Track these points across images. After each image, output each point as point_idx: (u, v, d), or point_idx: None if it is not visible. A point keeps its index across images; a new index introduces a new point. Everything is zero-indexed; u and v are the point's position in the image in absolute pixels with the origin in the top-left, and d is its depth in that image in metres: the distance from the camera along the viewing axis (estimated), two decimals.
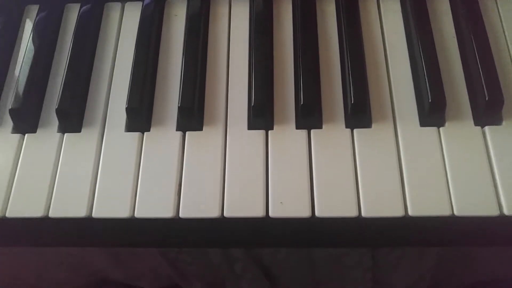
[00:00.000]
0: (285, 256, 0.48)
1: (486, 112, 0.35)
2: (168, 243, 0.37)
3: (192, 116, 0.36)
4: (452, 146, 0.35)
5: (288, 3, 0.42)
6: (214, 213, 0.33)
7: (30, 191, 0.35)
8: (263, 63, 0.37)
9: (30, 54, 0.39)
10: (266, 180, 0.34)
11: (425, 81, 0.35)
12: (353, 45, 0.37)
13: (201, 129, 0.36)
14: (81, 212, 0.34)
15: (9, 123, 0.38)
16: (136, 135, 0.37)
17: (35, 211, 0.34)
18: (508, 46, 0.38)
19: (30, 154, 0.36)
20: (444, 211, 0.32)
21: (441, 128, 0.35)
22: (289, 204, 0.33)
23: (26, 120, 0.37)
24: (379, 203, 0.33)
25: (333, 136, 0.35)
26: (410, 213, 0.33)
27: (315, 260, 0.48)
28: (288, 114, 0.37)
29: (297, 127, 0.36)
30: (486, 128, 0.35)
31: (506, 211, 0.32)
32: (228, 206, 0.33)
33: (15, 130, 0.38)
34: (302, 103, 0.35)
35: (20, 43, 0.42)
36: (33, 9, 0.43)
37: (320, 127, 0.36)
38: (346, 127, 0.36)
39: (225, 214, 0.33)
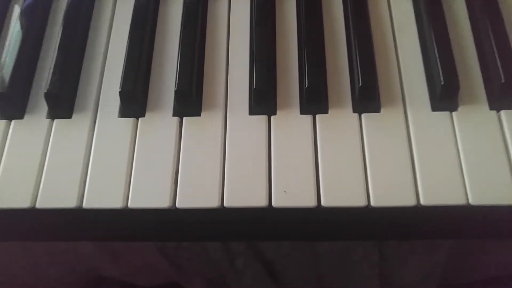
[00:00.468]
0: (288, 250, 0.46)
1: (501, 96, 0.33)
2: (165, 236, 0.35)
3: (189, 101, 0.34)
4: (465, 132, 0.32)
5: None
6: (213, 203, 0.31)
7: (17, 181, 0.33)
8: (265, 44, 0.35)
9: (18, 34, 0.37)
10: (269, 168, 0.32)
11: (437, 63, 0.33)
12: (360, 24, 0.35)
13: (199, 115, 0.34)
14: (70, 203, 0.32)
15: None
16: (130, 120, 0.34)
17: (22, 202, 0.32)
18: None
19: (17, 141, 0.34)
20: (459, 200, 0.30)
21: (453, 113, 0.33)
22: (293, 193, 0.31)
23: (12, 105, 0.35)
24: (389, 192, 0.31)
25: (340, 121, 0.33)
26: (422, 202, 0.31)
27: (320, 255, 0.46)
28: (292, 98, 0.34)
29: (302, 112, 0.34)
30: (502, 112, 0.33)
31: None
32: (228, 196, 0.31)
33: (1, 116, 0.35)
34: (307, 86, 0.33)
35: (9, 23, 0.40)
36: None
37: (326, 112, 0.34)
38: (354, 111, 0.34)
39: (225, 204, 0.31)
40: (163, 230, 0.33)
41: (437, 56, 0.33)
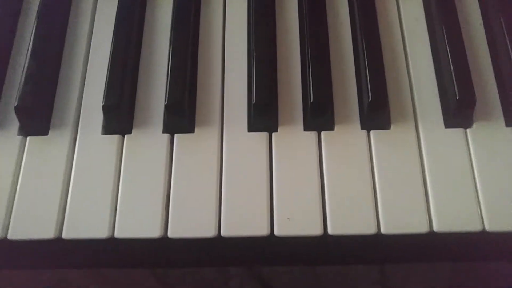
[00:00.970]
0: (286, 268, 0.43)
1: None
2: (155, 264, 0.32)
3: (181, 116, 0.31)
4: (481, 150, 0.30)
5: None
6: (209, 232, 0.28)
7: None
8: (265, 54, 0.32)
9: None
10: (270, 192, 0.29)
11: (451, 76, 0.31)
12: (368, 34, 0.32)
13: (192, 131, 0.31)
14: (48, 233, 0.28)
15: None
16: (115, 138, 0.31)
17: None
18: None
19: None
20: (474, 227, 0.28)
21: (468, 130, 0.31)
22: (297, 220, 0.28)
23: None
24: (401, 218, 0.29)
25: (347, 138, 0.31)
26: (435, 228, 0.28)
27: (319, 273, 0.44)
28: (295, 114, 0.31)
29: (306, 129, 0.31)
30: None
31: None
32: (226, 224, 0.28)
33: None
34: (312, 100, 0.30)
35: None
36: None
37: (332, 129, 0.31)
38: (362, 128, 0.31)
39: (222, 234, 0.28)
40: (153, 259, 0.30)
41: (451, 68, 0.31)
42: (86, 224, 0.29)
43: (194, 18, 0.34)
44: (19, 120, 0.31)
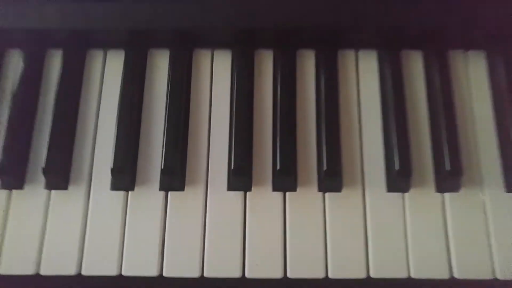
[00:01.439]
0: None
1: (446, 181, 0.38)
2: None
3: (174, 178, 0.38)
4: (414, 211, 0.38)
5: (269, 59, 0.42)
6: (194, 273, 0.36)
7: (20, 247, 0.37)
8: (243, 127, 0.39)
9: (13, 106, 0.40)
10: (243, 242, 0.37)
11: (394, 149, 0.38)
12: (330, 110, 0.39)
13: (182, 189, 0.38)
14: (71, 270, 0.37)
15: None
16: (121, 194, 0.38)
17: (26, 269, 0.37)
18: (473, 115, 0.40)
19: (18, 210, 0.38)
20: (402, 274, 0.36)
21: (405, 194, 0.38)
22: (263, 266, 0.36)
23: (10, 177, 0.38)
24: (345, 265, 0.36)
25: (306, 198, 0.38)
26: (372, 275, 0.36)
27: None
28: (266, 176, 0.39)
29: (274, 189, 0.38)
30: (446, 194, 0.38)
31: (456, 275, 0.36)
32: (208, 267, 0.36)
33: (2, 186, 0.39)
34: (278, 168, 0.37)
35: (2, 93, 0.42)
36: (14, 54, 0.43)
37: (295, 190, 0.38)
38: (319, 190, 0.38)
39: (205, 274, 0.36)
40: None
41: (395, 143, 0.38)
42: (100, 263, 0.37)
43: (185, 93, 0.41)
44: (46, 178, 0.38)
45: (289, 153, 0.38)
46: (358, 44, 0.42)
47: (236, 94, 0.40)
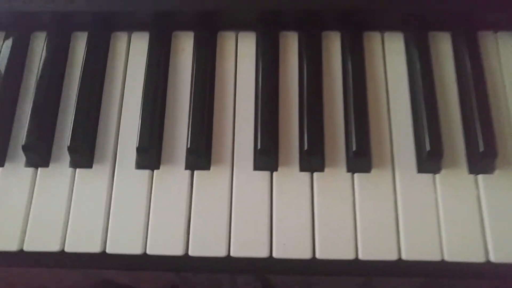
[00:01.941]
0: None
1: (480, 162, 0.37)
2: (179, 271, 0.40)
3: (200, 157, 0.38)
4: (446, 193, 0.37)
5: (294, 41, 0.42)
6: (221, 252, 0.36)
7: (45, 225, 0.37)
8: (269, 106, 0.38)
9: (40, 86, 0.40)
10: (271, 221, 0.36)
11: (425, 130, 0.37)
12: (357, 90, 0.38)
13: (208, 169, 0.38)
14: (95, 248, 0.36)
15: (21, 157, 0.39)
16: (146, 172, 0.38)
17: (51, 246, 0.36)
18: (506, 95, 0.39)
19: (43, 187, 0.38)
20: (435, 257, 0.35)
21: (436, 175, 0.37)
22: (291, 246, 0.36)
23: (37, 155, 0.38)
24: (375, 247, 0.35)
25: (334, 179, 0.37)
26: (403, 257, 0.35)
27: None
28: (293, 156, 0.38)
29: (301, 170, 0.38)
30: (479, 176, 0.37)
31: (492, 258, 0.35)
32: (234, 246, 0.36)
33: (28, 164, 0.39)
34: (306, 148, 0.37)
35: (29, 73, 0.42)
36: (40, 36, 0.44)
37: (322, 170, 0.37)
38: (347, 171, 0.37)
39: (231, 254, 0.36)
40: (178, 268, 0.37)
41: (425, 123, 0.37)
42: (124, 242, 0.36)
43: (210, 74, 0.40)
44: (70, 156, 0.38)
45: (317, 133, 0.37)
46: (384, 26, 0.42)
47: (261, 75, 0.39)
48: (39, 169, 0.39)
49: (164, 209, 0.37)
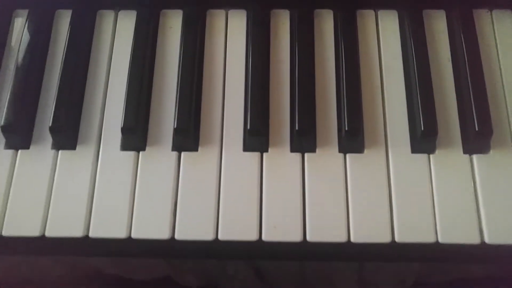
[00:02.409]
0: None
1: (475, 142, 0.36)
2: (164, 256, 0.38)
3: (188, 138, 0.36)
4: (440, 173, 0.36)
5: (285, 19, 0.41)
6: (208, 235, 0.34)
7: (26, 209, 0.35)
8: (259, 86, 0.37)
9: (21, 65, 0.38)
10: (260, 204, 0.35)
11: (419, 109, 0.36)
12: (350, 69, 0.37)
13: (196, 150, 0.37)
14: (77, 232, 0.35)
15: (1, 139, 0.37)
16: (131, 154, 0.37)
17: (32, 230, 0.35)
18: (501, 74, 0.38)
19: (24, 170, 0.36)
20: (428, 238, 0.34)
21: (431, 155, 0.36)
22: (281, 229, 0.34)
23: (17, 136, 0.37)
24: (368, 229, 0.34)
25: (326, 160, 0.36)
26: (397, 239, 0.34)
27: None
28: (283, 137, 0.37)
29: (292, 150, 0.36)
30: (474, 156, 0.36)
31: (487, 240, 0.34)
32: (223, 229, 0.34)
33: (8, 146, 0.37)
34: (297, 128, 0.36)
35: (9, 52, 0.41)
36: (22, 14, 0.42)
37: (314, 151, 0.36)
38: (339, 151, 0.36)
39: (219, 237, 0.34)
40: (164, 253, 0.36)
41: (419, 102, 0.36)
42: (108, 225, 0.35)
43: (199, 52, 0.39)
44: (53, 137, 0.37)
45: (308, 113, 0.36)
46: (378, 4, 0.40)
47: (251, 54, 0.38)
48: (19, 151, 0.37)
49: (150, 191, 0.36)
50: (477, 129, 0.35)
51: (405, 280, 0.52)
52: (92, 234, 0.35)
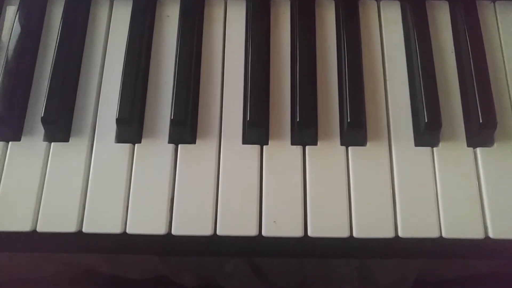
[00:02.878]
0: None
1: (479, 134, 0.35)
2: (160, 252, 0.37)
3: (185, 129, 0.35)
4: (444, 167, 0.35)
5: (286, 8, 0.40)
6: (206, 231, 0.33)
7: (16, 203, 0.34)
8: (259, 76, 0.36)
9: (12, 55, 0.37)
10: (260, 198, 0.34)
11: (422, 101, 0.35)
12: (352, 60, 0.36)
13: (194, 142, 0.36)
14: (70, 227, 0.33)
15: None
16: (126, 146, 0.35)
17: (22, 225, 0.33)
18: (504, 66, 0.38)
19: (15, 163, 0.35)
20: (433, 233, 0.33)
21: (434, 148, 0.35)
22: (282, 223, 0.33)
23: (8, 128, 0.35)
24: (371, 224, 0.33)
25: (328, 153, 0.35)
26: (400, 234, 0.33)
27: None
28: (284, 129, 0.36)
29: (293, 143, 0.35)
30: (478, 149, 0.35)
31: (491, 234, 0.33)
32: (221, 224, 0.33)
33: None
34: (298, 120, 0.35)
35: (0, 41, 0.39)
36: (14, 2, 0.40)
37: (315, 144, 0.35)
38: (341, 144, 0.35)
39: (217, 233, 0.33)
40: (160, 249, 0.35)
41: (423, 94, 0.35)
42: (102, 220, 0.34)
43: (197, 42, 0.38)
44: (45, 129, 0.35)
45: (309, 104, 0.35)
46: None
47: (251, 44, 0.37)
48: (10, 143, 0.36)
49: (146, 185, 0.34)
50: (481, 121, 0.34)
51: (406, 278, 0.51)
52: (85, 229, 0.33)
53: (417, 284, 0.52)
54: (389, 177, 0.35)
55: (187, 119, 0.35)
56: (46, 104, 0.35)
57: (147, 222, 0.34)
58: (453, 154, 0.35)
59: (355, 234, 0.33)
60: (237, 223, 0.33)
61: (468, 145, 0.35)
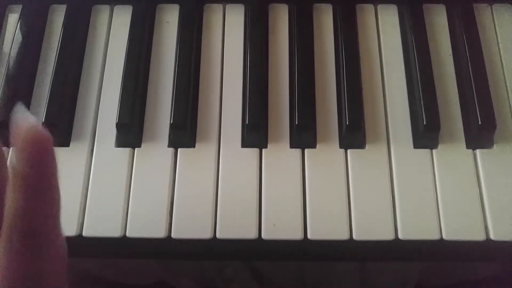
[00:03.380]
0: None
1: (478, 136, 0.35)
2: (160, 256, 0.37)
3: (184, 133, 0.35)
4: (443, 169, 0.35)
5: (284, 13, 0.40)
6: (206, 234, 0.33)
7: None
8: (258, 80, 0.36)
9: (14, 61, 0.37)
10: (259, 201, 0.34)
11: (421, 103, 0.35)
12: (350, 63, 0.37)
13: (193, 146, 0.36)
14: (70, 231, 0.33)
15: None
16: (126, 150, 0.36)
17: None
18: (502, 68, 0.38)
19: None
20: (433, 235, 0.33)
21: (434, 150, 0.35)
22: (281, 226, 0.33)
23: (8, 131, 0.36)
24: (370, 226, 0.33)
25: (327, 155, 0.35)
26: (400, 236, 0.33)
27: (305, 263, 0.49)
28: (283, 133, 0.36)
29: (291, 146, 0.36)
30: (477, 151, 0.35)
31: (492, 236, 0.33)
32: (221, 228, 0.33)
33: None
34: (296, 123, 0.35)
35: (3, 47, 0.40)
36: (16, 10, 0.41)
37: (314, 147, 0.35)
38: (340, 147, 0.35)
39: (217, 236, 0.33)
40: (159, 253, 0.35)
41: (421, 96, 0.35)
42: (103, 224, 0.34)
43: (196, 47, 0.38)
44: None
45: (308, 107, 0.35)
46: None
47: (250, 49, 0.37)
48: (11, 148, 0.36)
49: (146, 189, 0.34)
50: (480, 123, 0.34)
51: (407, 282, 0.51)
52: (85, 233, 0.33)
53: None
54: (388, 179, 0.35)
55: (186, 123, 0.35)
56: (47, 109, 0.35)
57: (147, 225, 0.34)
58: (453, 156, 0.35)
59: (355, 237, 0.33)
60: (236, 226, 0.33)
61: (468, 147, 0.35)
